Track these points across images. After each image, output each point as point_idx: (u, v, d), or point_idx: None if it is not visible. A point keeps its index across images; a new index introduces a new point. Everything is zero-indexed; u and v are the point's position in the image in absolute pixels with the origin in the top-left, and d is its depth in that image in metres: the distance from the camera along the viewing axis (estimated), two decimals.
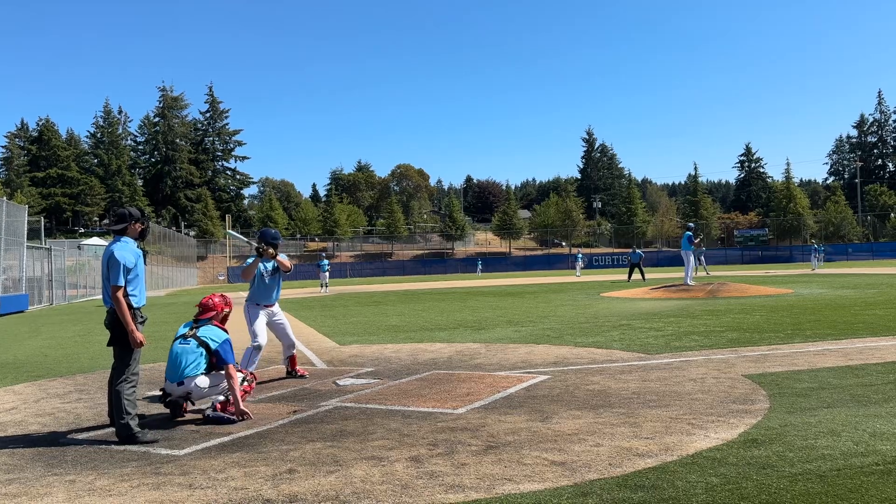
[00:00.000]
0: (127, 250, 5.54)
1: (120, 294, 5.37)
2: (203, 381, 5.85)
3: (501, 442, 4.78)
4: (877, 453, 4.18)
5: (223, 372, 5.91)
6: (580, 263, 48.90)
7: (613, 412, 5.57)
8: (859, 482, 3.68)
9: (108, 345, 5.53)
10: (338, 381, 7.60)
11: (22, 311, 25.22)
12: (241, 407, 5.81)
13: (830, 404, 5.52)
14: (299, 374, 8.01)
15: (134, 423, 5.29)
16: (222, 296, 6.52)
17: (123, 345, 5.43)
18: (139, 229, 5.71)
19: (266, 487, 4.01)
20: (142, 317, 5.55)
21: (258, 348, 7.51)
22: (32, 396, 7.52)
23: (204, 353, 5.92)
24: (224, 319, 6.41)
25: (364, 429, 5.35)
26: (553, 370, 7.75)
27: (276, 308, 7.92)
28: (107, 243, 5.98)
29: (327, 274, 35.41)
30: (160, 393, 6.22)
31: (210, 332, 6.03)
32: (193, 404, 6.07)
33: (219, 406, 5.84)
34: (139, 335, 5.41)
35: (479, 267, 68.87)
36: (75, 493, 4.08)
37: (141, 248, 5.88)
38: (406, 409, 6.04)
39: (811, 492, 3.57)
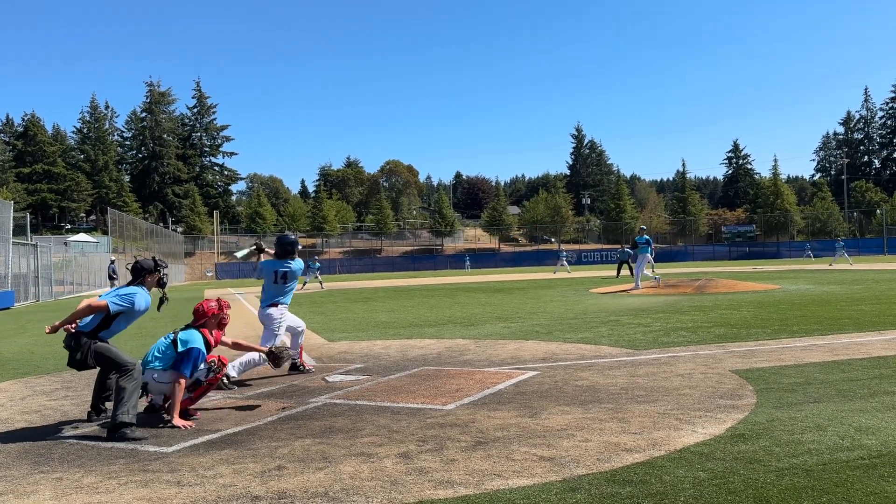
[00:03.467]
0: (145, 297, 5.79)
1: (96, 306, 5.54)
2: (161, 376, 5.77)
3: (490, 438, 4.80)
4: (862, 448, 4.23)
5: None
6: (562, 261, 44.73)
7: (602, 408, 5.59)
8: (845, 476, 3.72)
9: (94, 366, 5.61)
10: (327, 378, 7.59)
11: (8, 308, 25.01)
12: (177, 420, 5.57)
13: (816, 399, 5.57)
14: (306, 368, 8.07)
15: (129, 420, 5.27)
16: (217, 300, 6.27)
17: (96, 354, 5.51)
18: (156, 279, 5.93)
19: (255, 484, 4.00)
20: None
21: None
22: (19, 394, 7.46)
23: (174, 351, 5.84)
24: (221, 324, 6.16)
25: (353, 425, 5.35)
26: (542, 366, 7.77)
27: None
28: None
29: (319, 273, 35.30)
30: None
31: (186, 336, 5.88)
32: (148, 395, 5.97)
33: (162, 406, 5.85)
34: (57, 324, 5.51)
35: (468, 263, 68.77)
36: (62, 490, 4.06)
37: (164, 297, 6.16)
38: (395, 405, 6.04)
39: (797, 486, 3.60)
